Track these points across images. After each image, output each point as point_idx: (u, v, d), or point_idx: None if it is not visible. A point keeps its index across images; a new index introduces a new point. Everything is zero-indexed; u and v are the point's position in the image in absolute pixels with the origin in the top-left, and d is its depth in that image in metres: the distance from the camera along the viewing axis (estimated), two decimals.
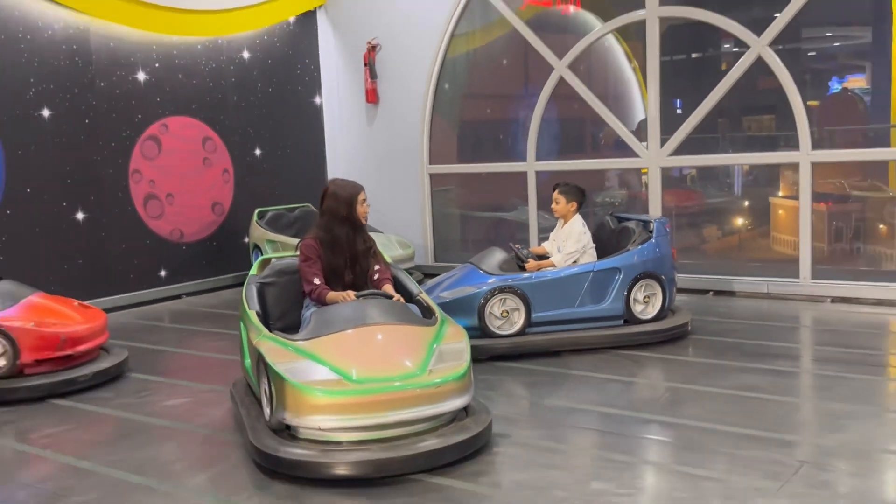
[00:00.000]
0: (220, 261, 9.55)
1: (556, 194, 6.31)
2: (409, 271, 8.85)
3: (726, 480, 3.72)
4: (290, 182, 10.21)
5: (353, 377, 3.86)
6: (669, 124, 8.38)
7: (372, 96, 10.20)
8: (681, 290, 8.14)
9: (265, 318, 4.70)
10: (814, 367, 5.64)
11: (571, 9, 9.35)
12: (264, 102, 9.95)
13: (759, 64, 7.77)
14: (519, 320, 5.88)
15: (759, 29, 7.70)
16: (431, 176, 9.99)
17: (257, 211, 9.41)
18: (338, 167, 10.69)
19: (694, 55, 9.52)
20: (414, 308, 4.64)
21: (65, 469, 4.23)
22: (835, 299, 7.43)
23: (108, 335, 6.12)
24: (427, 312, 4.65)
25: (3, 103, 7.65)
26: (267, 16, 9.86)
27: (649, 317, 6.21)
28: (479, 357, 5.36)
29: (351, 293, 4.54)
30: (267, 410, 4.08)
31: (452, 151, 10.19)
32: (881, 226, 8.04)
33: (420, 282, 8.90)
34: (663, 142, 8.33)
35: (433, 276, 9.56)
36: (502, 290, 5.87)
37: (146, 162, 8.82)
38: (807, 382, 5.30)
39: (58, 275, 8.07)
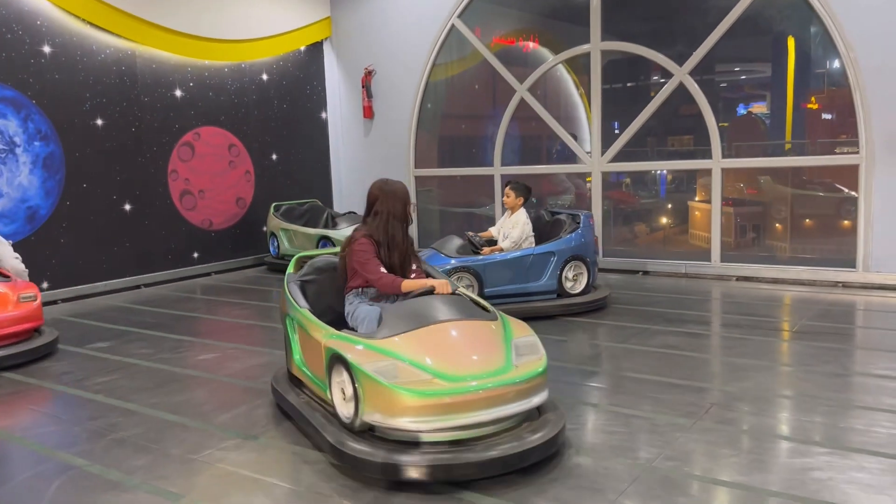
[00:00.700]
0: (243, 245, 9.49)
1: (507, 189, 6.36)
2: None
3: (651, 418, 3.77)
4: (300, 181, 10.15)
5: (447, 375, 3.13)
6: (608, 139, 8.43)
7: (368, 112, 10.15)
8: (616, 271, 8.24)
9: None
10: (721, 331, 5.70)
11: (531, 45, 9.37)
12: (280, 116, 9.87)
13: (681, 90, 7.83)
14: (473, 295, 5.81)
15: (681, 61, 7.77)
16: (416, 178, 9.97)
17: (273, 205, 9.34)
18: (340, 170, 10.64)
19: (629, 84, 9.55)
20: None
21: (113, 409, 4.19)
22: (739, 278, 7.52)
23: (25, 326, 5.38)
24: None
25: (64, 114, 7.54)
26: (282, 45, 9.78)
27: (577, 291, 6.29)
28: None
29: (428, 280, 3.78)
30: (345, 411, 3.27)
31: (433, 158, 10.16)
32: (776, 224, 8.14)
33: None
34: (603, 151, 8.38)
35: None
36: (460, 269, 5.89)
37: (182, 163, 8.72)
38: (716, 342, 5.36)
39: (109, 255, 8.00)
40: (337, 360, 3.30)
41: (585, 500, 2.87)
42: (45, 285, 7.38)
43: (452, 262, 5.95)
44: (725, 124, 8.05)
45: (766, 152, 8.32)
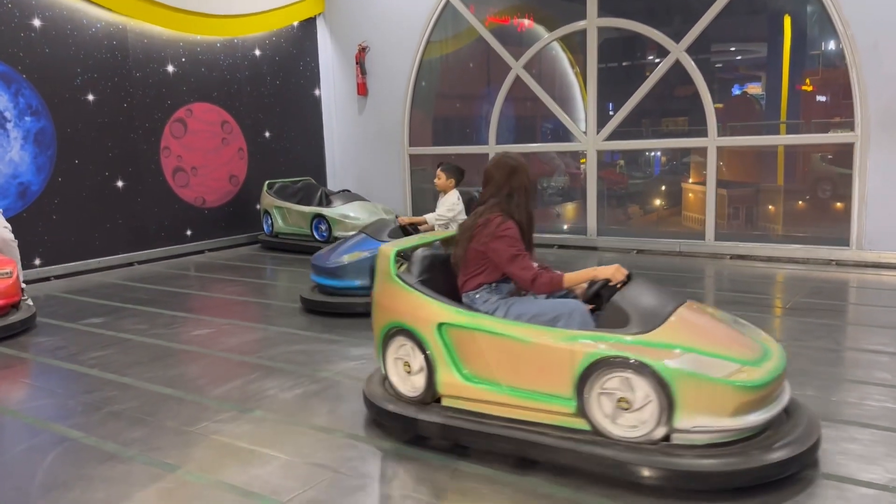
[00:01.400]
0: (236, 223, 9.44)
1: (439, 171, 5.92)
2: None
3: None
4: (293, 159, 10.09)
5: (748, 361, 2.74)
6: (604, 118, 8.41)
7: (362, 89, 10.07)
8: (610, 250, 8.25)
9: None
10: (717, 307, 5.70)
11: (526, 23, 9.30)
12: (273, 93, 9.79)
13: (677, 68, 7.80)
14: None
15: (678, 39, 7.73)
16: (411, 156, 9.92)
17: (266, 182, 9.28)
18: (333, 148, 10.58)
19: (624, 63, 9.51)
20: None
21: (108, 383, 4.18)
22: (733, 256, 7.54)
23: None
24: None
25: (54, 89, 7.46)
26: (275, 20, 9.67)
27: None
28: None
29: (593, 270, 3.12)
30: (640, 428, 2.71)
31: (428, 136, 10.12)
32: (769, 206, 8.17)
33: None
34: (598, 130, 8.36)
35: None
36: (396, 255, 5.54)
37: (174, 140, 8.65)
38: None
39: (102, 232, 7.95)
40: (612, 366, 2.72)
41: None
42: (37, 262, 7.34)
43: (378, 245, 5.43)
44: (720, 105, 8.04)
45: (760, 132, 8.32)
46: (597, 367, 2.74)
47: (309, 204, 8.91)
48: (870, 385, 3.78)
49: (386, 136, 9.95)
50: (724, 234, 7.82)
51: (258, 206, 9.46)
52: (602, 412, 2.76)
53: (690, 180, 8.66)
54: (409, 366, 3.23)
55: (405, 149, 9.85)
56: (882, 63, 6.70)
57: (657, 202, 9.28)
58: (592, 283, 3.08)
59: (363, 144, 10.24)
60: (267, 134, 9.74)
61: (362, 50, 9.94)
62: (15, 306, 5.49)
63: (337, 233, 8.41)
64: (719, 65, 8.85)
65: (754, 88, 8.97)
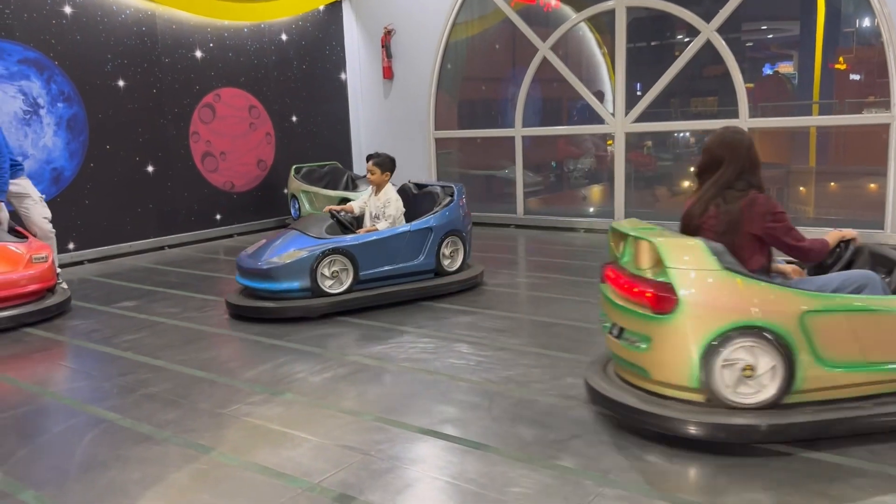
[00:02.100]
0: (264, 207, 9.52)
1: (371, 165, 5.66)
2: None
3: None
4: (320, 143, 10.12)
5: None
6: (632, 100, 8.30)
7: (388, 73, 10.06)
8: None
9: None
10: None
11: (552, 4, 9.19)
12: (299, 77, 9.81)
13: (708, 49, 7.67)
14: (347, 279, 5.21)
15: (708, 19, 7.59)
16: (436, 140, 9.90)
17: (294, 167, 9.33)
18: (359, 132, 10.59)
19: (653, 43, 9.38)
20: None
21: (141, 366, 4.26)
22: None
23: (37, 287, 5.38)
24: None
25: (86, 75, 7.55)
26: (301, 5, 9.67)
27: (453, 269, 5.79)
28: (311, 315, 5.05)
29: (839, 231, 3.37)
30: None
31: (453, 120, 10.09)
32: (801, 188, 8.02)
33: None
34: (627, 111, 8.26)
35: None
36: (331, 252, 5.15)
37: (203, 125, 8.73)
38: None
39: (133, 217, 8.07)
40: None
41: (608, 457, 2.88)
42: (70, 246, 7.48)
43: (321, 243, 5.18)
44: (751, 85, 7.89)
45: (792, 113, 8.16)
46: None
47: (335, 188, 8.95)
48: None
49: (411, 119, 9.94)
50: None
51: (285, 191, 9.52)
52: None
53: None
54: (751, 369, 2.86)
55: (431, 132, 9.83)
56: None
57: (685, 184, 9.16)
58: (843, 244, 3.27)
59: (389, 128, 10.24)
60: (294, 118, 9.77)
61: (388, 33, 9.91)
62: (51, 290, 5.60)
63: None
64: (750, 43, 8.69)
65: (786, 67, 8.80)
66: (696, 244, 2.98)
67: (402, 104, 10.07)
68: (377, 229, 5.47)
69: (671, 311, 2.89)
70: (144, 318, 5.33)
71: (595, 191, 9.50)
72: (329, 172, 9.37)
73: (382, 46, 9.98)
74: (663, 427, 2.91)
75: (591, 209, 9.19)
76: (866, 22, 7.19)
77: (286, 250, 5.16)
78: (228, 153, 9.02)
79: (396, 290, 5.41)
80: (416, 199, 6.04)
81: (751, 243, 3.07)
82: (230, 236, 9.03)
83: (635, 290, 3.04)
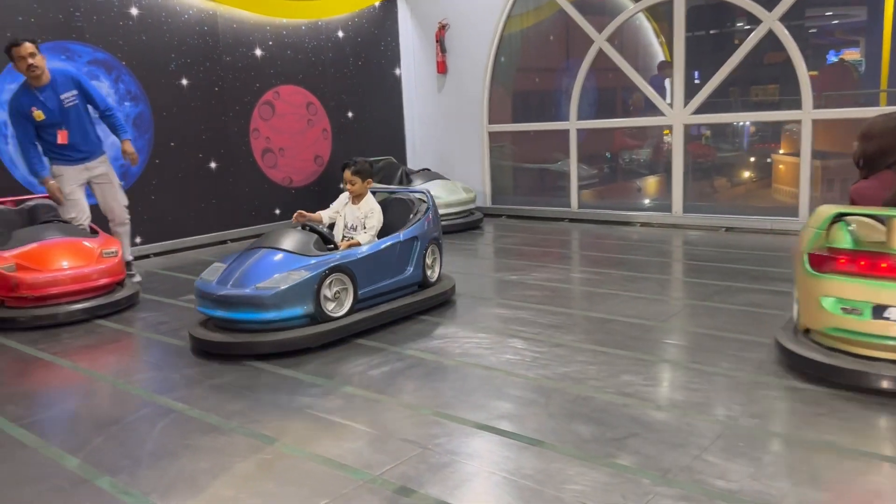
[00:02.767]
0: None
1: (350, 175, 5.14)
2: (469, 212, 8.92)
3: (734, 376, 3.71)
4: (375, 139, 10.23)
5: None
6: (690, 90, 8.14)
7: (442, 68, 10.09)
8: (696, 227, 8.03)
9: None
10: None
11: None
12: (355, 73, 9.93)
13: (769, 38, 7.46)
14: (347, 300, 4.61)
15: (770, 6, 7.38)
16: (490, 134, 9.90)
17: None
18: (413, 127, 10.66)
19: (712, 31, 9.17)
20: None
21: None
22: None
23: (107, 281, 5.58)
24: None
25: (151, 75, 7.80)
26: (357, 2, 9.78)
27: (434, 280, 5.36)
28: (314, 345, 4.38)
29: None
30: None
31: (507, 113, 10.06)
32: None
33: (479, 222, 8.93)
34: (686, 103, 8.10)
35: (492, 216, 9.62)
36: (334, 269, 4.50)
37: (263, 122, 8.92)
38: None
39: (197, 212, 8.32)
40: None
41: (668, 456, 2.87)
42: (137, 240, 7.75)
43: (316, 261, 4.49)
44: (815, 73, 7.65)
45: (858, 102, 7.88)
46: None
47: (390, 182, 9.04)
48: None
49: (465, 113, 9.95)
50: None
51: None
52: None
53: (781, 151, 8.30)
54: None
55: (484, 126, 9.83)
56: None
57: (745, 175, 8.95)
58: None
59: (442, 122, 10.28)
60: (350, 114, 9.90)
61: (442, 27, 9.94)
62: (120, 284, 5.83)
63: None
64: (813, 30, 8.42)
65: (852, 55, 8.50)
66: None
67: (455, 98, 10.09)
68: (359, 242, 4.87)
69: None
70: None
71: (651, 182, 9.36)
72: (384, 167, 9.46)
73: (437, 41, 10.01)
74: None
75: (647, 202, 9.06)
76: None
77: (277, 272, 4.37)
78: (287, 149, 9.20)
79: (386, 309, 4.84)
80: (386, 207, 5.47)
81: None
82: None
83: None
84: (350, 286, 4.62)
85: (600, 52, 8.63)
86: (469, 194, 8.93)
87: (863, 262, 3.47)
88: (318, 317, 4.45)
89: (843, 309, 3.48)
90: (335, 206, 5.31)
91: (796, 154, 7.60)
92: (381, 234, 5.15)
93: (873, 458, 2.81)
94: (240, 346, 4.31)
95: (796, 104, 7.38)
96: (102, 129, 6.34)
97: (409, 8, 10.36)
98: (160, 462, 3.05)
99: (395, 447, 3.06)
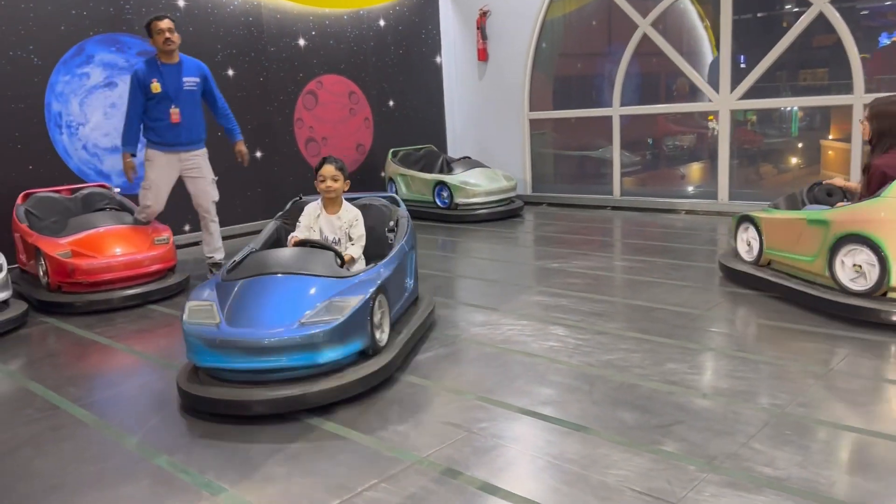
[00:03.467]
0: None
1: (334, 170, 4.20)
2: (510, 200, 8.92)
3: (783, 365, 3.67)
4: (416, 127, 10.28)
5: None
6: (736, 76, 7.99)
7: (482, 55, 10.08)
8: None
9: None
10: None
11: None
12: (396, 62, 9.98)
13: (818, 20, 7.27)
14: (387, 325, 3.86)
15: None
16: (531, 121, 9.86)
17: (391, 151, 9.54)
18: (454, 115, 10.68)
19: (758, 14, 8.96)
20: None
21: None
22: None
23: (160, 267, 5.77)
24: None
25: None
26: None
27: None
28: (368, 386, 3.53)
29: None
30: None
31: (548, 100, 10.01)
32: None
33: (520, 210, 8.89)
34: (732, 88, 7.96)
35: (533, 204, 9.59)
36: (379, 290, 3.71)
37: (306, 112, 9.04)
38: None
39: (243, 200, 8.48)
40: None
41: (713, 443, 2.87)
42: (186, 227, 7.95)
43: (356, 281, 3.70)
44: (867, 56, 7.43)
45: None
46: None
47: (431, 171, 9.09)
48: None
49: (506, 101, 9.93)
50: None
51: (383, 174, 9.74)
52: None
53: (830, 137, 8.10)
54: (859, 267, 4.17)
55: (525, 114, 9.80)
56: None
57: (792, 161, 8.76)
58: None
59: (483, 110, 10.27)
60: (391, 103, 9.96)
61: (483, 14, 9.91)
62: (171, 270, 6.00)
63: (458, 199, 8.55)
64: (865, 12, 8.17)
65: None
66: None
67: (496, 86, 10.07)
68: (353, 257, 4.19)
69: None
70: None
71: (695, 169, 9.23)
72: (425, 156, 9.52)
73: (478, 28, 9.99)
74: None
75: (692, 189, 8.94)
76: None
77: (317, 301, 3.50)
78: (330, 138, 9.31)
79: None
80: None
81: None
82: None
83: None
84: (387, 308, 3.85)
85: (644, 37, 8.52)
86: (510, 182, 8.93)
87: None
88: (371, 349, 3.62)
89: None
90: (305, 221, 4.32)
91: (847, 140, 7.42)
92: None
93: None
94: (293, 402, 3.32)
95: (847, 88, 7.20)
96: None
97: None
98: (215, 441, 3.15)
99: (441, 431, 3.11)
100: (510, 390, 3.52)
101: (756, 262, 5.14)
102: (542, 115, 9.79)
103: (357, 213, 4.35)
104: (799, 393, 3.31)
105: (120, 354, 4.52)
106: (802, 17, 7.37)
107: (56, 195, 6.42)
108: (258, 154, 8.58)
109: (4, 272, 5.13)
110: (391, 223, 4.57)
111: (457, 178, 8.69)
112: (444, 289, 5.55)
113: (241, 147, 6.43)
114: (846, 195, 4.77)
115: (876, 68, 7.58)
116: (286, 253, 3.89)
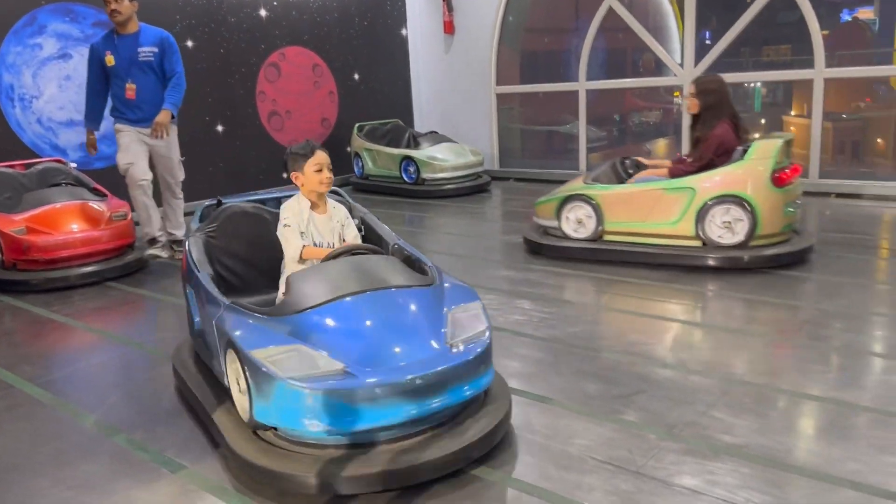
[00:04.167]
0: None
1: (328, 161, 3.43)
2: (477, 175, 8.89)
3: (742, 333, 3.74)
4: (382, 101, 10.17)
5: None
6: (700, 50, 8.03)
7: (449, 28, 9.97)
8: None
9: None
10: (816, 248, 5.47)
11: None
12: (361, 34, 9.83)
13: None
14: None
15: None
16: (498, 95, 9.82)
17: (357, 125, 9.43)
18: (420, 89, 10.58)
19: None
20: None
21: None
22: (838, 195, 7.18)
23: (118, 243, 5.65)
24: None
25: None
26: None
27: None
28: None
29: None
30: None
31: (515, 74, 9.96)
32: (878, 140, 7.68)
33: (487, 185, 8.88)
34: (696, 62, 8.00)
35: (500, 179, 9.57)
36: None
37: (269, 84, 8.88)
38: (811, 260, 5.16)
39: (204, 176, 8.32)
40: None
41: (674, 412, 2.92)
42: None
43: (457, 285, 3.03)
44: (826, 32, 7.53)
45: (871, 62, 7.76)
46: None
47: (398, 146, 9.01)
48: None
49: (473, 75, 9.86)
50: (829, 172, 7.43)
51: (348, 149, 9.64)
52: None
53: (792, 112, 8.21)
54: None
55: (492, 88, 9.75)
56: None
57: (756, 136, 8.89)
58: None
59: (450, 84, 10.19)
60: (356, 76, 9.83)
61: None
62: (130, 246, 5.88)
63: (425, 174, 8.50)
64: None
65: (866, 13, 8.34)
66: None
67: (463, 59, 9.99)
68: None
69: None
70: None
71: (661, 145, 9.29)
72: (391, 130, 9.43)
73: (443, 0, 9.88)
74: None
75: None
76: None
77: (437, 316, 2.76)
78: (293, 112, 9.16)
79: None
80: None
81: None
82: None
83: None
84: None
85: (610, 11, 8.51)
86: (477, 157, 8.90)
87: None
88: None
89: None
90: (296, 226, 3.36)
91: (808, 116, 7.53)
92: (256, 249, 3.88)
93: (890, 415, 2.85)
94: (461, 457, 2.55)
95: (809, 63, 7.29)
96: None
97: None
98: (175, 419, 3.11)
99: None
100: None
101: (594, 238, 5.33)
102: (510, 90, 9.75)
103: (345, 210, 3.59)
104: (759, 362, 3.37)
105: (78, 332, 4.44)
106: None
107: (9, 170, 6.21)
108: (219, 128, 8.42)
109: None
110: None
111: (424, 153, 8.64)
112: (460, 269, 5.52)
113: (161, 116, 5.60)
114: (640, 168, 5.54)
115: (837, 44, 7.69)
116: (358, 265, 2.92)
